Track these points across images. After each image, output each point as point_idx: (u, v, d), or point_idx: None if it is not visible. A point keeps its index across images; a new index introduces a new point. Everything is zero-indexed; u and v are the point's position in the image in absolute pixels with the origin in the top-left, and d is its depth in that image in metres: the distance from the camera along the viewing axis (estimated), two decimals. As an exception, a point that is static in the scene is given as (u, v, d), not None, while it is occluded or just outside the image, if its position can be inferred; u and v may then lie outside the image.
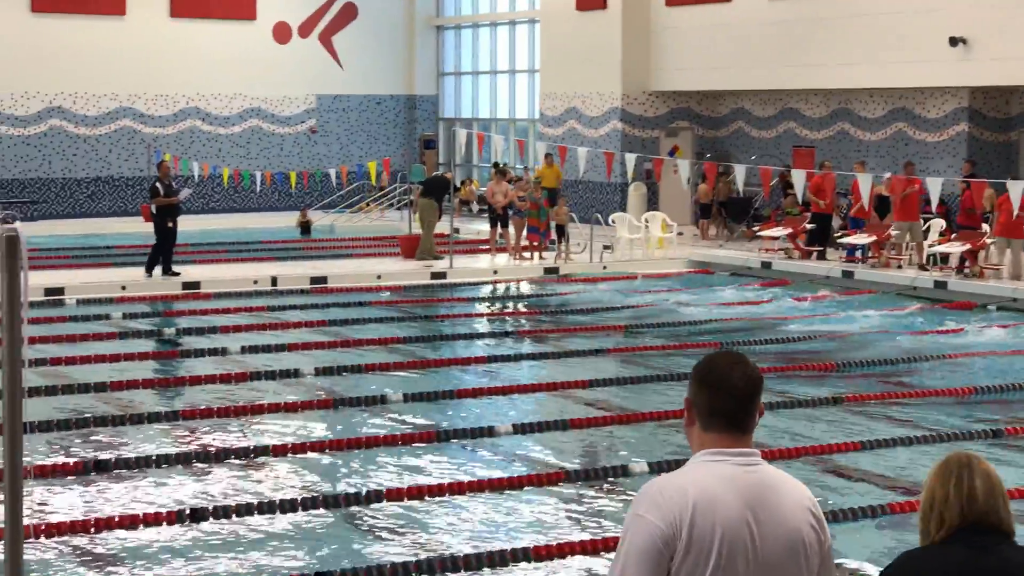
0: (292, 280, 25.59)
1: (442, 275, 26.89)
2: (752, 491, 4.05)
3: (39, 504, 11.10)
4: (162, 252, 25.62)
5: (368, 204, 39.44)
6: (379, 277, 26.24)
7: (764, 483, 4.08)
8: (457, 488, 11.72)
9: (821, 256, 27.59)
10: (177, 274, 25.47)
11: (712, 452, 4.10)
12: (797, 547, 4.07)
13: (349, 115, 42.31)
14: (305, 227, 35.23)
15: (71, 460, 12.56)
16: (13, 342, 4.32)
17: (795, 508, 4.10)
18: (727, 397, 4.11)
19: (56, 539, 10.26)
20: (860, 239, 26.34)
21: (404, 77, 43.19)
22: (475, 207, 38.34)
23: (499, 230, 29.75)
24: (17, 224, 4.43)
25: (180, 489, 11.77)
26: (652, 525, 3.95)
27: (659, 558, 3.94)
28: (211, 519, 10.80)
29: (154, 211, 25.95)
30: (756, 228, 30.40)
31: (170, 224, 25.60)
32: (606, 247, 29.20)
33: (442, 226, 29.96)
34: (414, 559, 9.80)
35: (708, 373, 4.15)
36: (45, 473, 11.93)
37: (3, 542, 4.25)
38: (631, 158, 29.11)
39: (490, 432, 13.88)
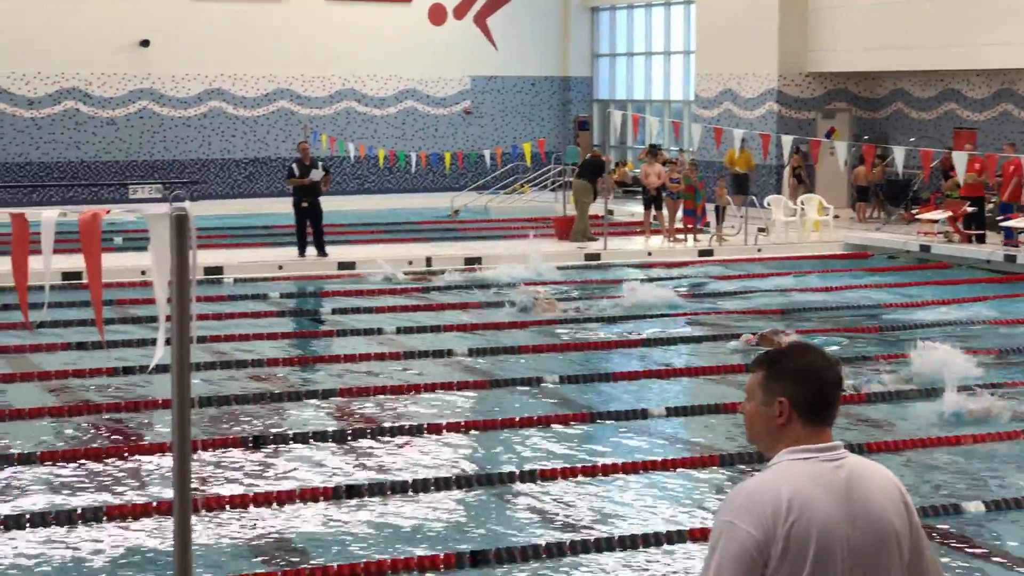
0: (446, 261, 25.73)
1: (596, 256, 26.85)
2: (843, 487, 3.98)
3: (200, 479, 11.30)
4: (303, 232, 25.99)
5: (522, 185, 39.51)
6: (469, 261, 26.19)
7: (853, 476, 4.01)
8: (611, 469, 11.71)
9: (980, 240, 27.06)
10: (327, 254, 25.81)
11: (798, 450, 4.02)
12: (890, 537, 4.01)
13: (503, 96, 42.40)
14: None
15: (230, 436, 12.77)
16: (182, 319, 4.39)
17: (884, 498, 4.04)
18: (825, 391, 4.07)
19: (216, 513, 10.42)
20: (1021, 222, 25.78)
21: (559, 58, 43.16)
22: (613, 191, 38.12)
23: (653, 212, 29.63)
24: (186, 204, 4.50)
25: (335, 466, 11.91)
26: (745, 533, 3.88)
27: (752, 566, 3.87)
28: (366, 496, 10.91)
29: (291, 192, 26.38)
30: (915, 211, 29.91)
31: (304, 204, 25.91)
32: (761, 230, 28.94)
33: (596, 208, 29.91)
34: (568, 540, 9.81)
35: (804, 368, 4.07)
36: (205, 448, 12.14)
37: (172, 515, 4.32)
38: (787, 140, 28.75)
39: (643, 414, 13.85)
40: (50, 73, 37.53)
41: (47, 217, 5.39)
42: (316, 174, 26.06)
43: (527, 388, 15.15)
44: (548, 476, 11.48)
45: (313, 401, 14.47)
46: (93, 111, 38.13)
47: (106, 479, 11.38)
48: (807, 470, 3.99)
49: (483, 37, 42.01)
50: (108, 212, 5.22)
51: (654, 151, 30.43)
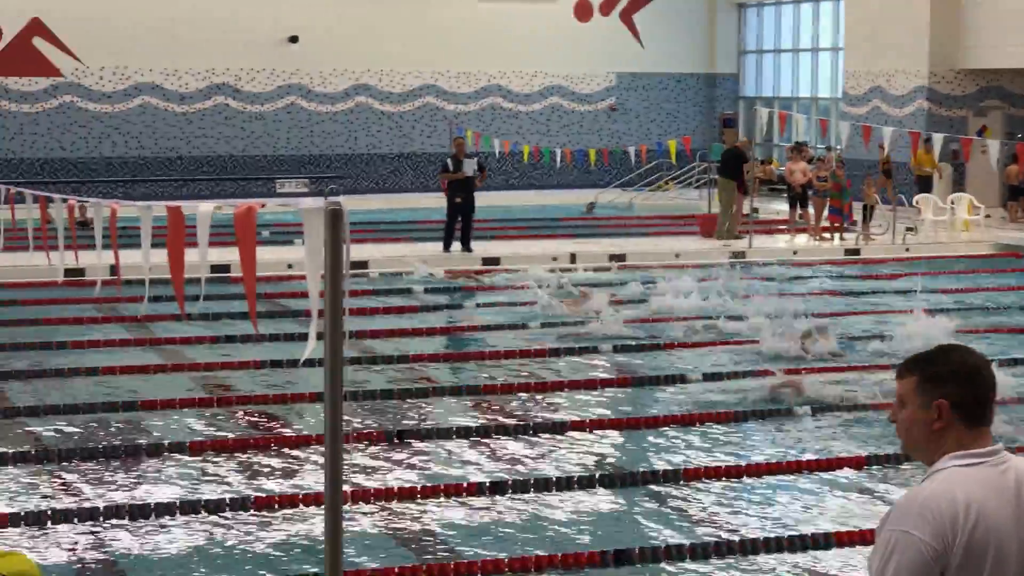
0: (590, 257, 25.69)
1: (741, 255, 26.63)
2: (1013, 491, 3.88)
3: (346, 472, 11.39)
4: (452, 227, 26.13)
5: (666, 182, 39.33)
6: (677, 256, 26.14)
7: (1019, 478, 3.91)
8: (755, 470, 11.59)
9: None
10: (472, 250, 25.92)
11: (965, 455, 3.91)
12: None
13: (649, 93, 42.22)
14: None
15: (374, 430, 12.85)
16: (335, 313, 4.41)
17: None
18: (984, 390, 3.96)
19: (362, 506, 10.49)
20: None
21: (705, 55, 42.87)
22: (757, 189, 37.74)
23: (798, 210, 29.29)
24: (341, 198, 4.52)
25: (479, 462, 11.93)
26: (921, 543, 3.77)
27: None
28: (509, 492, 10.91)
29: (446, 187, 26.53)
30: (1069, 212, 29.26)
31: (457, 200, 26.04)
32: (909, 229, 28.49)
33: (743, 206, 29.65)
34: (713, 541, 9.72)
35: (960, 367, 3.96)
36: (349, 441, 12.23)
37: (323, 507, 4.34)
38: (938, 138, 28.28)
39: (788, 413, 13.71)
40: (201, 69, 38.14)
41: (203, 210, 5.45)
42: (468, 167, 26.17)
43: (669, 387, 15.05)
44: (692, 475, 11.38)
45: (457, 397, 14.50)
46: (242, 106, 38.67)
47: (253, 470, 11.51)
48: (977, 476, 3.89)
49: (629, 34, 41.86)
50: (263, 206, 5.26)
51: (799, 148, 30.10)
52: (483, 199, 27.54)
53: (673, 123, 42.32)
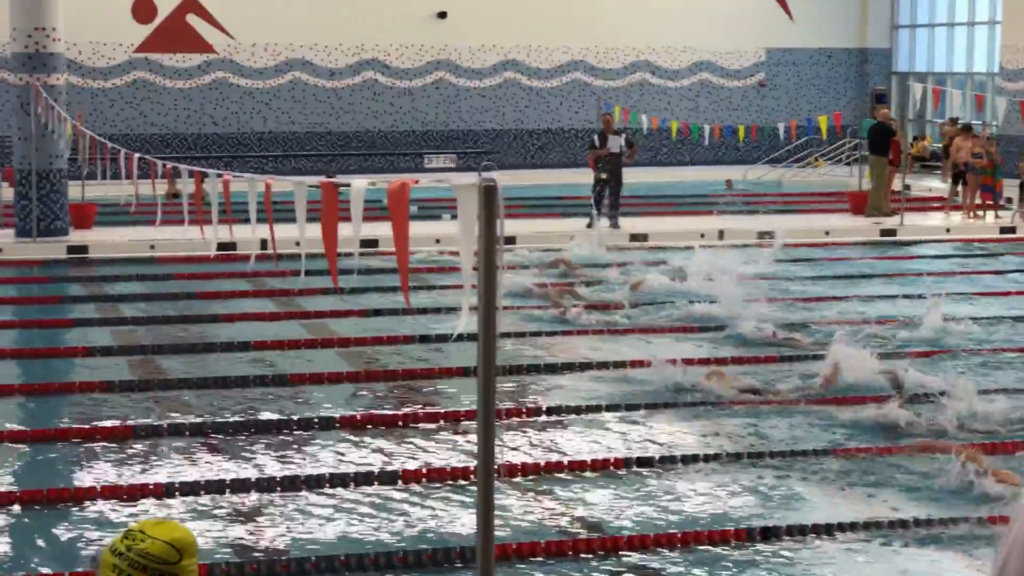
0: (738, 234, 25.47)
1: (892, 232, 26.21)
2: None
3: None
4: (598, 203, 26.10)
5: (816, 159, 38.86)
6: (827, 233, 25.83)
7: None
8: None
9: None
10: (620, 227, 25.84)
11: None
12: None
13: (799, 68, 41.71)
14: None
15: (524, 406, 12.84)
16: (490, 288, 4.39)
17: None
18: None
19: (511, 481, 10.49)
20: None
21: (856, 30, 42.21)
22: (911, 167, 37.11)
23: (958, 188, 28.75)
24: (495, 174, 4.50)
25: (623, 437, 11.86)
26: None
27: None
28: (656, 467, 10.84)
29: (592, 162, 26.52)
30: None
31: (603, 176, 25.99)
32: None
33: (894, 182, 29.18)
34: (862, 519, 9.58)
35: None
36: (499, 417, 12.23)
37: (476, 481, 4.33)
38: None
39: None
40: (350, 45, 38.45)
41: (357, 186, 5.47)
42: (614, 143, 26.10)
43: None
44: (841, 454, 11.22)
45: (600, 372, 14.42)
46: (391, 82, 38.93)
47: (402, 445, 11.57)
48: None
49: (779, 8, 41.37)
50: (416, 182, 5.26)
51: (968, 127, 29.54)
52: (630, 175, 27.45)
53: (823, 99, 41.76)
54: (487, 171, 4.53)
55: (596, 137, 26.66)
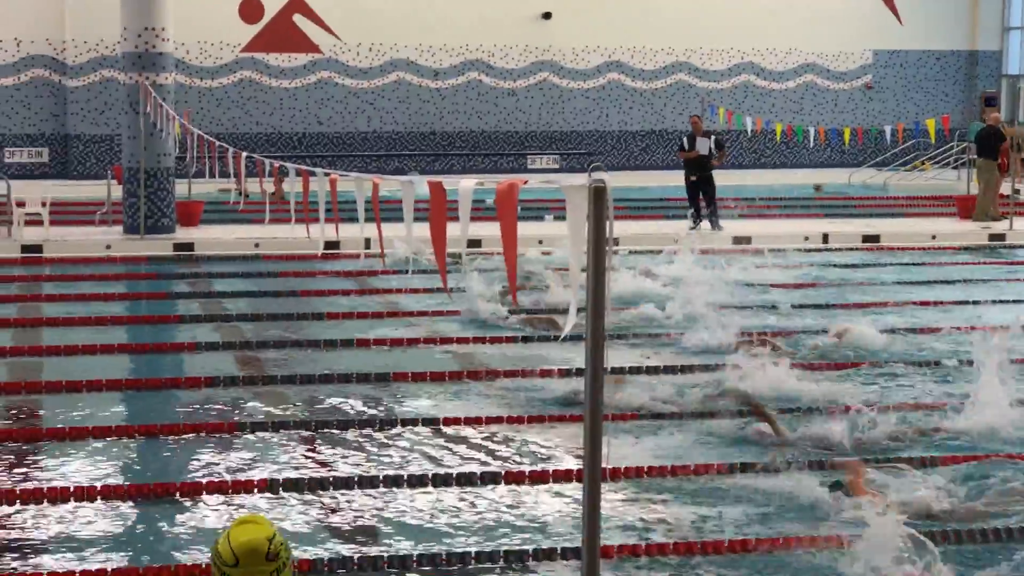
0: (843, 238, 25.25)
1: (1001, 237, 25.85)
2: None
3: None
4: (694, 205, 26.01)
5: (923, 162, 38.42)
6: (934, 237, 25.53)
7: None
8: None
9: None
10: (722, 228, 25.73)
11: None
12: None
13: (906, 71, 41.25)
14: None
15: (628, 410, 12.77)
16: (598, 289, 4.37)
17: None
18: None
19: (613, 481, 10.45)
20: None
21: (966, 31, 41.67)
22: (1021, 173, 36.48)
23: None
24: (605, 175, 4.48)
25: (727, 437, 11.77)
26: None
27: None
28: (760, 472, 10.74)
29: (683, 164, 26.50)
30: None
31: (692, 178, 25.90)
32: None
33: (1005, 186, 28.80)
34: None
35: None
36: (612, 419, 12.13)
37: (582, 482, 4.31)
38: None
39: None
40: (455, 45, 38.57)
41: (464, 186, 5.47)
42: (702, 146, 25.99)
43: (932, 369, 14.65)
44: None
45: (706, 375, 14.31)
46: (495, 82, 39.00)
47: (503, 445, 11.57)
48: None
49: (886, 9, 40.96)
50: (525, 183, 5.26)
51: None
52: (736, 177, 27.33)
53: (931, 101, 41.27)
54: (596, 172, 4.51)
55: (685, 139, 26.55)
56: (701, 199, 26.18)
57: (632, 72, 39.64)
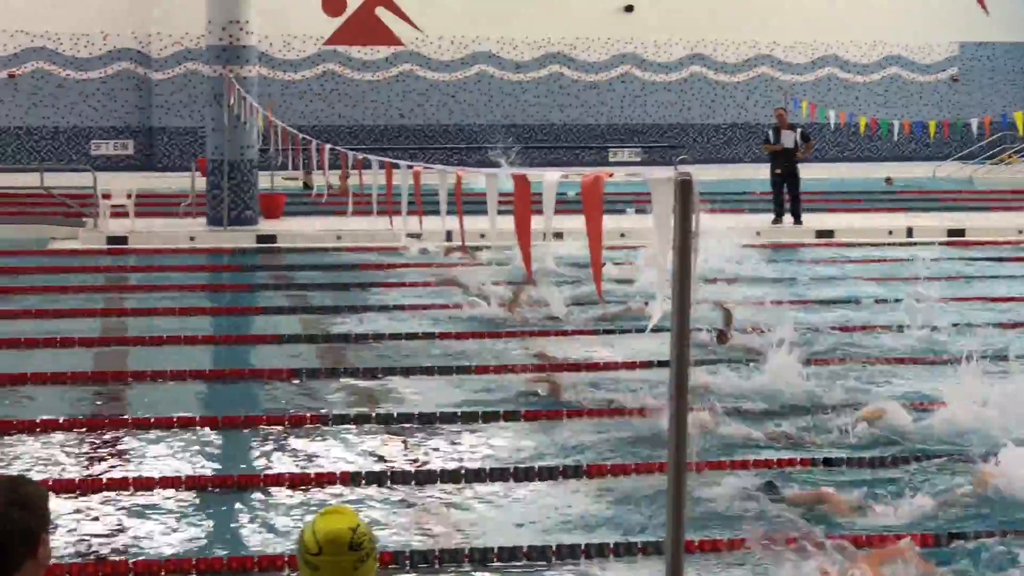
0: (928, 232, 25.00)
1: (1087, 232, 25.53)
2: None
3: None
4: (778, 198, 25.87)
5: (1010, 155, 37.96)
6: (1021, 232, 25.22)
7: None
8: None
9: None
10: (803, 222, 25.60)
11: None
12: None
13: (994, 63, 40.77)
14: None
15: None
16: (684, 283, 4.35)
17: None
18: None
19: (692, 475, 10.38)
20: None
21: (1054, 23, 41.14)
22: None
23: None
24: (691, 168, 4.46)
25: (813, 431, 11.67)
26: None
27: None
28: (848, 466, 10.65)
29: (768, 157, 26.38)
30: None
31: (778, 171, 25.75)
32: None
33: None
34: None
35: None
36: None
37: (667, 474, 4.29)
38: None
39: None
40: (536, 38, 38.56)
41: (549, 178, 5.45)
42: (787, 139, 25.83)
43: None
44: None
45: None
46: (577, 75, 38.95)
47: (585, 438, 11.52)
48: None
49: (973, 1, 40.49)
50: (610, 176, 5.23)
51: None
52: (818, 171, 27.14)
53: (1019, 94, 40.76)
54: (682, 165, 4.48)
55: (770, 132, 26.45)
56: (785, 193, 26.01)
57: (714, 65, 39.45)
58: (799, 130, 26.53)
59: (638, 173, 4.82)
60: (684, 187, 4.46)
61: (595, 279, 5.34)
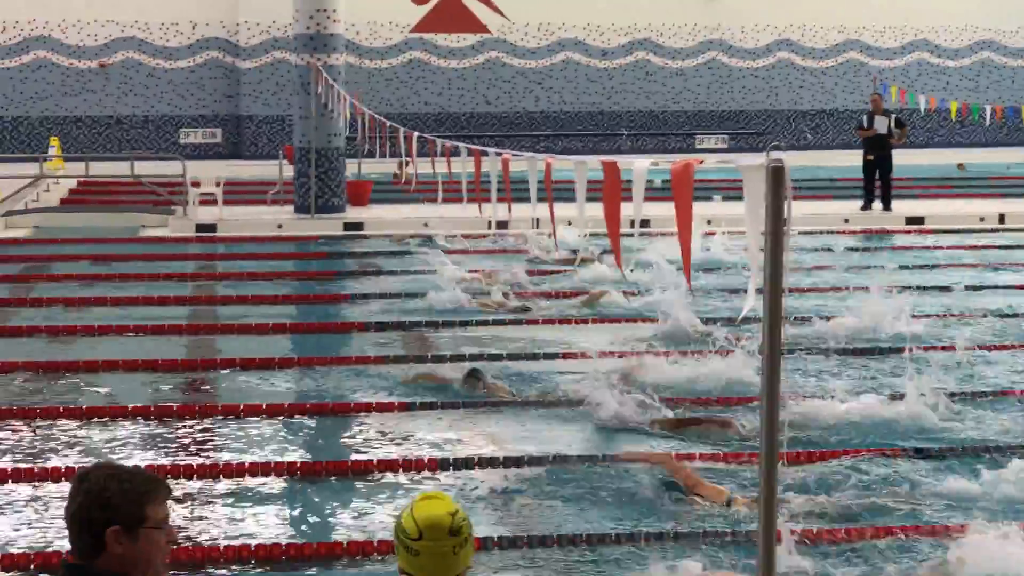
0: (1021, 219, 24.67)
1: None
2: None
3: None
4: (869, 185, 25.64)
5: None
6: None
7: None
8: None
9: None
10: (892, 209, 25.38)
11: None
12: None
13: (1088, 47, 40.17)
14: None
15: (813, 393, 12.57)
16: (776, 271, 4.30)
17: None
18: None
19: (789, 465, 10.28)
20: None
21: None
22: None
23: None
24: (783, 155, 4.40)
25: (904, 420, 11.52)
26: None
27: None
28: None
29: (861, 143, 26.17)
30: None
31: (870, 157, 25.51)
32: None
33: None
34: None
35: None
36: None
37: (759, 464, 4.24)
38: None
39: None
40: (623, 25, 38.44)
41: (639, 166, 5.41)
42: (881, 125, 25.58)
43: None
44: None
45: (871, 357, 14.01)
46: (663, 62, 38.79)
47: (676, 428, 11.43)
48: None
49: (1068, -16, 39.92)
50: (701, 163, 5.19)
51: None
52: (907, 156, 26.87)
53: (1115, 78, 40.14)
54: (775, 151, 4.42)
55: (864, 117, 26.22)
56: (876, 179, 25.77)
57: (802, 51, 39.14)
58: (893, 116, 26.26)
59: (730, 160, 4.77)
60: (776, 174, 4.41)
61: (684, 269, 5.30)
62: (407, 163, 21.01)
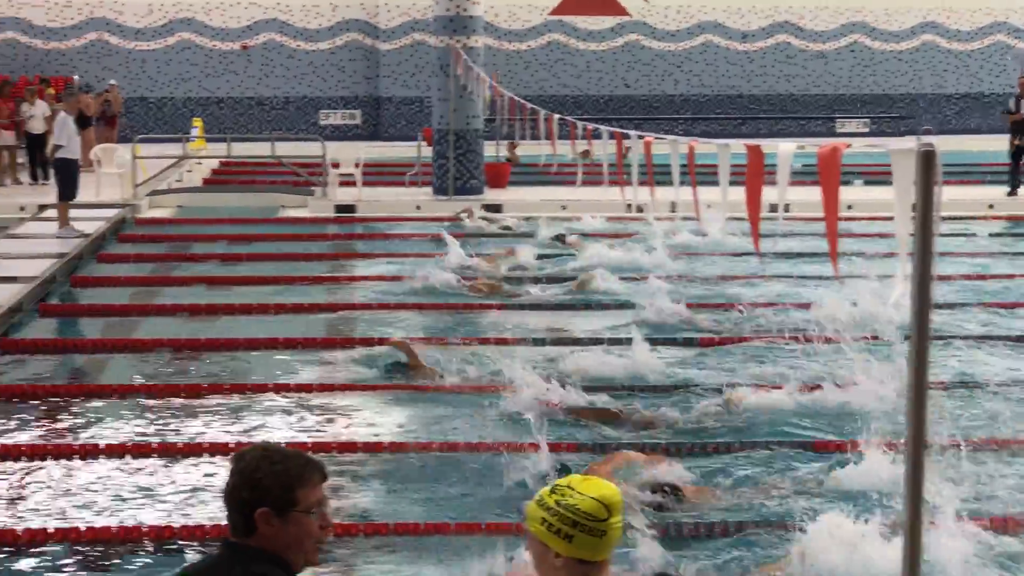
0: None
1: None
2: None
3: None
4: (1015, 169, 25.14)
5: None
6: None
7: None
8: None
9: None
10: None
11: None
12: None
13: None
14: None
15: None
16: (925, 257, 4.21)
17: None
18: None
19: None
20: None
21: None
22: None
23: None
24: (933, 139, 4.31)
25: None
26: None
27: None
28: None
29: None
30: None
31: (1016, 142, 24.99)
32: None
33: None
34: None
35: None
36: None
37: (904, 456, 4.16)
38: None
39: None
40: (764, 7, 38.08)
41: (784, 149, 5.34)
42: (1029, 107, 25.12)
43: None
44: None
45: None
46: (804, 44, 38.37)
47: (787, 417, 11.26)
48: None
49: None
50: (848, 146, 5.10)
51: None
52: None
53: None
54: (925, 135, 4.33)
55: (1012, 101, 25.63)
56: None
57: (947, 33, 38.47)
58: (1046, 99, 25.76)
59: (878, 145, 4.66)
60: (927, 158, 4.31)
61: (831, 253, 5.21)
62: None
